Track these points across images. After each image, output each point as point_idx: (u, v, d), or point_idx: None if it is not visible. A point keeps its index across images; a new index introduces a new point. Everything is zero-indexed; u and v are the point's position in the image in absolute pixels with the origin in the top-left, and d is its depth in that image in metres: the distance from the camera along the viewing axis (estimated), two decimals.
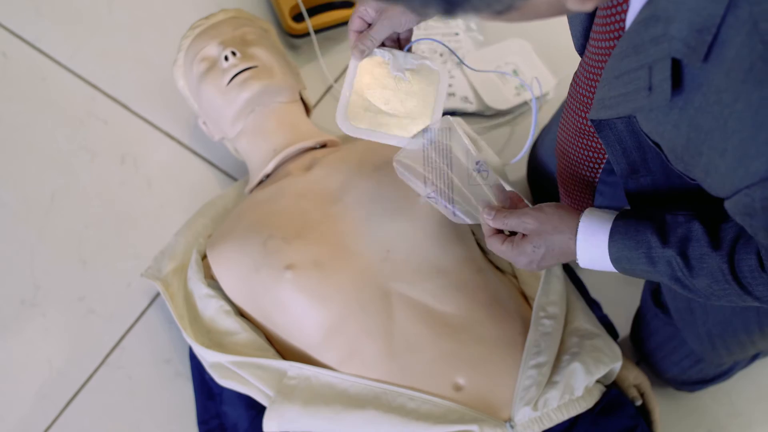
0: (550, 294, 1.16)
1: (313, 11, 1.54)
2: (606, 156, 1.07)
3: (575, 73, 1.02)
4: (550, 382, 1.10)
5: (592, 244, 0.93)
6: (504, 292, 1.19)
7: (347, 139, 1.38)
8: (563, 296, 1.17)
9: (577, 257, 0.95)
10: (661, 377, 1.27)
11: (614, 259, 0.92)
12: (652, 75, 0.75)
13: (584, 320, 1.19)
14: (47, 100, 1.51)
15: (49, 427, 1.28)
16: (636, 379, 1.21)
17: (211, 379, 1.21)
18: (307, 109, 1.39)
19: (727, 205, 0.77)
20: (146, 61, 1.54)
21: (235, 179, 1.46)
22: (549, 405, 1.08)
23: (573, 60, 1.02)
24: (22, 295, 1.36)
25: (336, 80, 1.55)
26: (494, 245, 1.00)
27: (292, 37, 1.55)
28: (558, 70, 1.55)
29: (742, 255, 0.82)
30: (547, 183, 1.35)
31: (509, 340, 1.13)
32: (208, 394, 1.24)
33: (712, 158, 0.74)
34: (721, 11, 0.66)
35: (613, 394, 1.15)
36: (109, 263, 1.39)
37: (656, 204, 0.96)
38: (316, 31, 1.54)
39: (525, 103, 1.51)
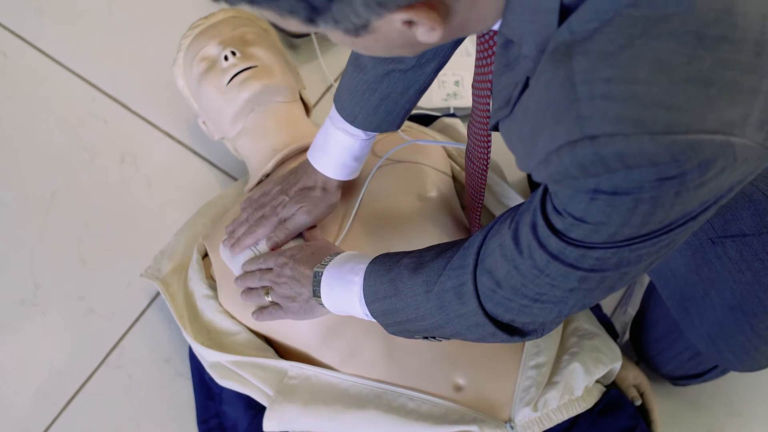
0: None
1: None
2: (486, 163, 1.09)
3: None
4: (549, 383, 1.10)
5: (343, 289, 0.99)
6: None
7: None
8: None
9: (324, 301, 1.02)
10: (658, 372, 1.27)
11: (365, 285, 0.96)
12: (513, 92, 0.76)
13: (584, 320, 1.19)
14: (47, 100, 1.51)
15: (49, 427, 1.28)
16: (636, 379, 1.21)
17: (211, 379, 1.21)
18: (307, 109, 1.39)
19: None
20: (146, 61, 1.55)
21: (234, 179, 1.46)
22: (549, 405, 1.08)
23: None
24: (22, 294, 1.36)
25: (336, 80, 1.55)
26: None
27: (292, 37, 1.55)
28: None
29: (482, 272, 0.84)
30: None
31: None
32: (208, 394, 1.24)
33: (517, 147, 0.75)
34: (555, 27, 0.66)
35: (612, 394, 1.15)
36: (108, 263, 1.39)
37: None
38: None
39: (449, 112, 1.50)
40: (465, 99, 1.50)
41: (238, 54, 1.28)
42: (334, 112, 1.10)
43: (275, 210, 1.16)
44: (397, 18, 0.64)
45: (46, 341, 1.33)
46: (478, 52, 0.89)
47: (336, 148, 1.12)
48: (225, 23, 1.35)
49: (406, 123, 1.38)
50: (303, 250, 1.09)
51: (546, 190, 0.75)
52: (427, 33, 0.67)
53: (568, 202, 0.70)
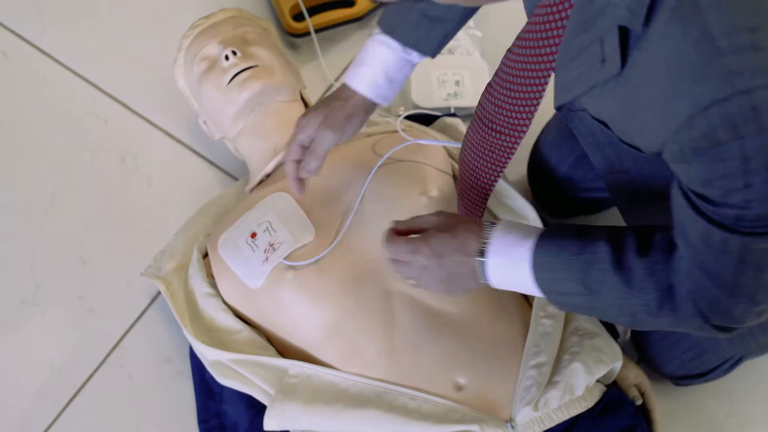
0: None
1: (313, 10, 1.54)
2: (503, 168, 1.07)
3: (487, 84, 1.01)
4: (550, 382, 1.10)
5: (508, 258, 0.91)
6: (504, 292, 1.19)
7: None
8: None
9: (488, 276, 0.93)
10: (659, 371, 1.27)
11: (536, 267, 0.89)
12: (604, 47, 0.73)
13: (584, 319, 1.19)
14: (47, 100, 1.51)
15: (49, 427, 1.28)
16: (636, 378, 1.21)
17: (212, 378, 1.21)
18: (308, 109, 1.39)
19: (665, 157, 0.73)
20: (146, 61, 1.55)
21: (235, 178, 1.46)
22: (549, 405, 1.08)
23: None
24: (22, 294, 1.36)
25: (336, 80, 1.55)
26: (391, 246, 0.97)
27: (293, 37, 1.55)
28: None
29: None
30: (549, 182, 1.35)
31: (509, 339, 1.13)
32: (209, 393, 1.24)
33: (644, 115, 0.72)
34: None
35: (613, 393, 1.15)
36: (109, 262, 1.39)
37: (637, 201, 0.95)
38: (317, 31, 1.54)
39: (450, 112, 1.50)
40: (465, 99, 1.50)
41: (238, 54, 1.28)
42: (375, 32, 1.09)
43: (296, 137, 1.12)
44: None
45: (47, 341, 1.33)
46: (535, 23, 0.84)
47: (371, 59, 1.09)
48: (225, 23, 1.35)
49: (406, 122, 1.38)
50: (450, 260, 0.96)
51: (686, 196, 0.72)
52: None
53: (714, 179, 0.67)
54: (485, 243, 0.93)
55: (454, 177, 1.31)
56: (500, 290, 1.18)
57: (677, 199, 0.77)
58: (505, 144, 1.02)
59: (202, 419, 1.24)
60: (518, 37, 0.91)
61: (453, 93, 1.50)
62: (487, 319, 1.14)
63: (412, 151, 1.27)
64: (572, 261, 0.87)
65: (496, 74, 0.99)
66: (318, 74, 1.55)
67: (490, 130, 1.04)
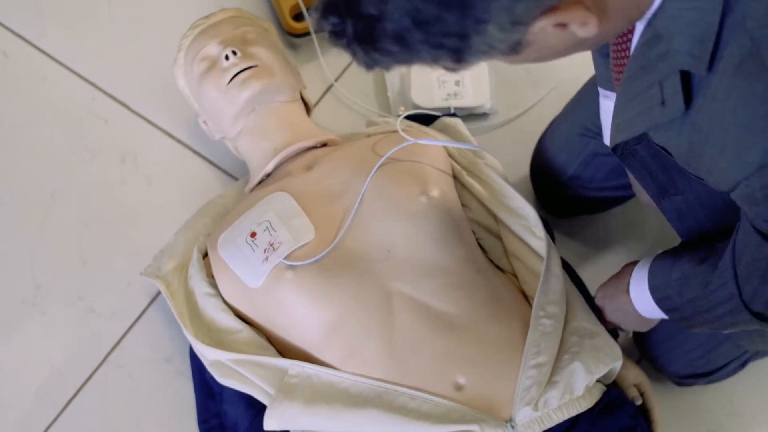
0: (549, 293, 1.16)
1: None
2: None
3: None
4: (550, 382, 1.10)
5: (640, 288, 1.08)
6: (504, 292, 1.19)
7: (348, 139, 1.38)
8: (563, 295, 1.18)
9: (635, 306, 1.11)
10: (663, 371, 1.27)
11: (652, 288, 1.04)
12: (664, 90, 0.77)
13: (584, 319, 1.19)
14: (47, 99, 1.51)
15: (49, 426, 1.28)
16: (636, 378, 1.21)
17: (212, 378, 1.21)
18: (308, 109, 1.39)
19: (734, 197, 0.78)
20: (146, 61, 1.54)
21: (235, 178, 1.46)
22: (549, 405, 1.08)
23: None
24: (22, 294, 1.36)
25: (336, 79, 1.55)
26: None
27: (293, 37, 1.55)
28: (540, 83, 1.55)
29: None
30: (551, 183, 1.35)
31: (509, 339, 1.13)
32: (209, 393, 1.24)
33: (713, 156, 0.76)
34: (717, 18, 0.69)
35: (613, 393, 1.15)
36: (109, 262, 1.39)
37: (694, 221, 1.01)
38: (317, 31, 1.54)
39: (450, 112, 1.50)
40: (465, 99, 1.50)
41: (238, 53, 1.28)
42: None
43: None
44: (543, 25, 0.66)
45: (47, 341, 1.33)
46: (614, 65, 0.93)
47: None
48: (225, 23, 1.35)
49: (406, 122, 1.38)
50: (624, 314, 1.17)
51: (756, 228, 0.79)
52: (582, 28, 0.68)
53: None
54: (629, 278, 1.10)
55: (454, 176, 1.31)
56: (499, 290, 1.18)
57: (745, 226, 0.84)
58: None
59: (202, 419, 1.24)
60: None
61: (453, 93, 1.50)
62: (487, 318, 1.14)
63: (412, 151, 1.26)
64: (681, 276, 0.99)
65: None
66: (318, 74, 1.55)
67: None
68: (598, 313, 1.28)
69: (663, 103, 0.78)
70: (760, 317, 0.89)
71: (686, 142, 0.78)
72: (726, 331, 1.00)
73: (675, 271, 1.00)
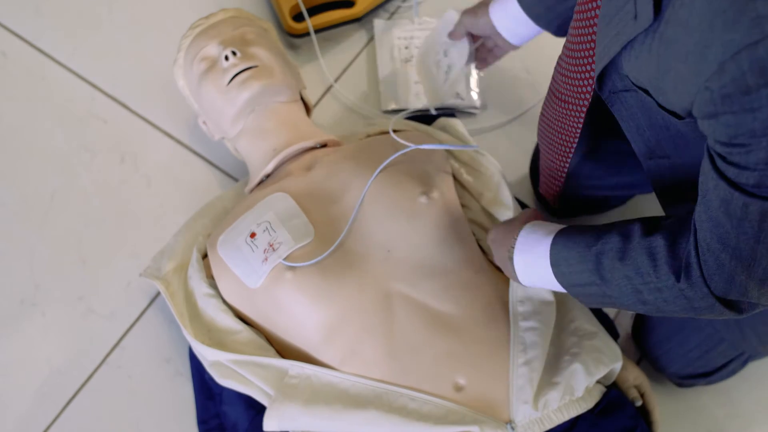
0: (521, 289, 1.17)
1: (313, 11, 1.54)
2: (575, 143, 1.13)
3: (558, 59, 1.07)
4: (550, 383, 1.10)
5: (531, 256, 1.00)
6: (504, 292, 1.19)
7: (348, 139, 1.38)
8: (534, 293, 1.17)
9: (517, 274, 1.04)
10: (663, 372, 1.27)
11: (553, 263, 0.97)
12: (637, 4, 0.78)
13: (584, 320, 1.19)
14: (47, 100, 1.51)
15: (48, 427, 1.28)
16: (636, 379, 1.21)
17: (211, 379, 1.21)
18: (308, 109, 1.39)
19: (695, 112, 0.76)
20: (146, 61, 1.54)
21: (235, 179, 1.46)
22: (549, 406, 1.08)
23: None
24: (21, 294, 1.36)
25: (336, 80, 1.54)
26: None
27: (292, 37, 1.55)
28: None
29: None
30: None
31: (506, 341, 1.13)
32: (208, 394, 1.24)
33: (677, 69, 0.74)
34: None
35: (613, 394, 1.15)
36: (108, 262, 1.39)
37: (677, 188, 0.98)
38: (316, 31, 1.54)
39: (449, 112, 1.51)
40: (465, 99, 1.50)
41: (238, 54, 1.28)
42: None
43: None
44: None
45: (46, 341, 1.33)
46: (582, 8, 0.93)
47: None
48: (225, 23, 1.35)
49: (406, 122, 1.38)
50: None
51: (712, 159, 0.76)
52: None
53: (738, 134, 0.70)
54: (514, 241, 1.02)
55: (454, 176, 1.31)
56: (499, 290, 1.18)
57: (704, 167, 0.80)
58: (572, 113, 1.07)
59: (202, 420, 1.24)
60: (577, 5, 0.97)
61: (453, 93, 1.50)
62: (486, 319, 1.14)
63: (411, 151, 1.26)
64: (585, 254, 0.93)
65: (564, 45, 1.04)
66: (318, 74, 1.55)
67: (558, 101, 1.09)
68: (598, 312, 1.29)
69: (635, 17, 0.78)
70: (726, 303, 0.84)
71: (655, 61, 0.77)
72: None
73: (586, 262, 0.93)
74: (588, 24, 0.96)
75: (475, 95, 1.50)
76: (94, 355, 1.32)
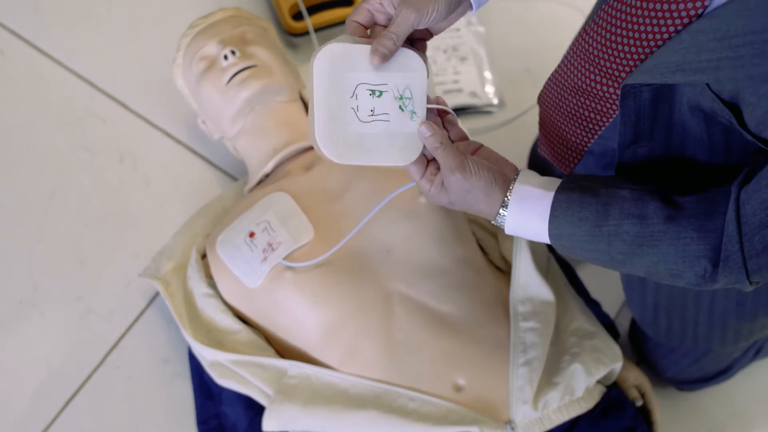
0: (521, 289, 1.16)
1: (312, 10, 1.54)
2: (606, 122, 0.97)
3: (585, 27, 0.91)
4: (550, 383, 1.10)
5: (526, 219, 0.88)
6: (504, 293, 1.19)
7: None
8: (535, 293, 1.17)
9: (506, 229, 0.90)
10: (661, 377, 1.27)
11: (554, 235, 0.87)
12: None
13: (583, 320, 1.19)
14: (46, 99, 1.50)
15: (47, 427, 1.28)
16: (636, 379, 1.21)
17: (210, 379, 1.21)
18: (307, 109, 1.39)
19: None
20: (145, 60, 1.54)
21: (234, 179, 1.46)
22: (549, 406, 1.08)
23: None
24: (20, 294, 1.36)
25: None
26: (414, 173, 0.92)
27: (292, 36, 1.54)
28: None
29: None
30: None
31: (504, 341, 1.13)
32: (207, 394, 1.24)
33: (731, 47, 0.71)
34: None
35: (613, 394, 1.15)
36: (107, 263, 1.38)
37: (647, 175, 0.91)
38: (316, 30, 1.54)
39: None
40: (481, 98, 1.50)
41: (237, 53, 1.28)
42: None
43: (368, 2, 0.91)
44: None
45: (45, 341, 1.33)
46: None
47: None
48: (224, 22, 1.34)
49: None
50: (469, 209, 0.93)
51: None
52: None
53: None
54: (507, 197, 0.89)
55: None
56: (499, 291, 1.18)
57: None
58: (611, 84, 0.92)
59: (201, 420, 1.24)
60: None
61: (452, 93, 1.50)
62: (486, 319, 1.14)
63: None
64: (594, 233, 0.84)
65: (594, 17, 0.90)
66: None
67: (590, 78, 0.93)
68: (597, 313, 1.28)
69: None
70: (751, 282, 0.80)
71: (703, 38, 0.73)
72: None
73: (596, 242, 0.85)
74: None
75: (491, 93, 1.50)
76: (93, 356, 1.32)
